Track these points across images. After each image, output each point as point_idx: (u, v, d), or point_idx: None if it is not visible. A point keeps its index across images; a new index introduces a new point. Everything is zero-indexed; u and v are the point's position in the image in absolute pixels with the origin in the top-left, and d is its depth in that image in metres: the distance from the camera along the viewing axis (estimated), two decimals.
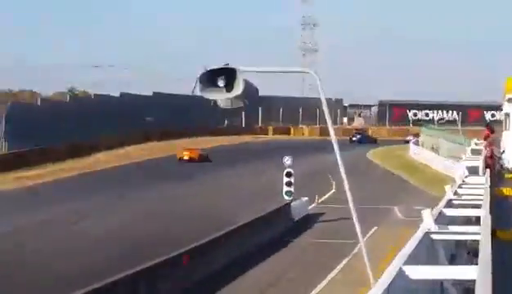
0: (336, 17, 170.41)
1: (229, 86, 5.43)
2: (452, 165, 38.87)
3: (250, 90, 5.66)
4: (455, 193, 12.75)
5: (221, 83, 5.41)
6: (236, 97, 5.49)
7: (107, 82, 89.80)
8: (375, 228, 25.58)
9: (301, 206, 30.69)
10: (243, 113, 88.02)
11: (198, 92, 5.59)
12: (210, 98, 5.48)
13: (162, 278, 17.00)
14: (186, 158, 55.62)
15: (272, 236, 25.10)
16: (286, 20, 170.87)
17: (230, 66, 5.43)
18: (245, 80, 5.43)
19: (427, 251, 5.93)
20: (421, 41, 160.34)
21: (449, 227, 6.95)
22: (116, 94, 79.69)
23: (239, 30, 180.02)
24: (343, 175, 6.10)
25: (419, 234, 5.75)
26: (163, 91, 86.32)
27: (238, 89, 5.39)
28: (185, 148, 58.35)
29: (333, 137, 5.45)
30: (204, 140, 69.81)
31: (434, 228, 6.23)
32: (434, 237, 6.20)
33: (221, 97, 5.50)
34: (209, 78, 5.41)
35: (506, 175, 25.73)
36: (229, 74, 5.41)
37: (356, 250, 17.19)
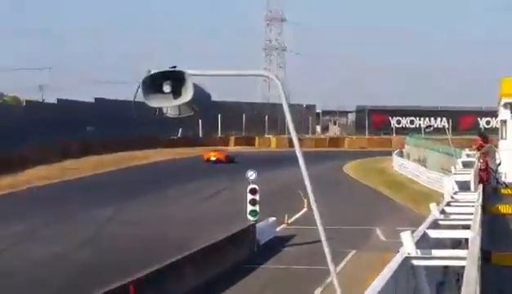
0: (306, 14, 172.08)
1: (176, 92, 5.43)
2: (441, 179, 39.70)
3: (201, 96, 5.68)
4: (443, 212, 12.86)
5: (167, 89, 5.42)
6: (185, 104, 5.49)
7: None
8: (353, 252, 25.83)
9: (268, 227, 30.60)
10: (199, 121, 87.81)
11: (141, 99, 5.59)
12: (155, 106, 5.47)
13: None
14: (213, 159, 65.48)
15: (235, 262, 25.03)
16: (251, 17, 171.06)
17: (177, 69, 5.44)
18: (195, 84, 5.44)
19: (407, 279, 5.91)
20: (404, 39, 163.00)
21: (433, 251, 6.99)
22: (53, 100, 79.17)
23: (195, 26, 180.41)
24: (310, 193, 5.99)
25: (397, 260, 5.74)
26: (106, 97, 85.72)
27: (186, 95, 5.39)
28: (212, 149, 69.23)
29: (297, 148, 5.48)
30: (152, 153, 69.44)
31: (415, 252, 6.23)
32: (415, 262, 6.18)
33: (167, 105, 5.51)
34: (154, 83, 5.42)
35: (503, 191, 25.92)
36: (176, 78, 5.42)
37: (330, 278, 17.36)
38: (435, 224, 10.87)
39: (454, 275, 9.00)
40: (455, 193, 19.85)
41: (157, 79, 5.34)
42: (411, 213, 37.07)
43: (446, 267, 8.54)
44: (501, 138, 32.81)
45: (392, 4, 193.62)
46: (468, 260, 6.22)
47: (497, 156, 29.75)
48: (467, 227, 11.23)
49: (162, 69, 5.35)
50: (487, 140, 30.69)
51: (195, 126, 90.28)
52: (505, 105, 31.74)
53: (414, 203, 41.07)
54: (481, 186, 22.84)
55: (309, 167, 4.99)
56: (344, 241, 24.51)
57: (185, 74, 5.32)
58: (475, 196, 18.72)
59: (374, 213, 38.14)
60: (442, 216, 12.22)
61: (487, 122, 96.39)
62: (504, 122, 32.53)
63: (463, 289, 4.84)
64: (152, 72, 5.32)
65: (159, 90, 5.32)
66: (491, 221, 17.64)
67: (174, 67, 5.37)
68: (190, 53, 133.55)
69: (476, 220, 11.85)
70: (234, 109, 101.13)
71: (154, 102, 5.40)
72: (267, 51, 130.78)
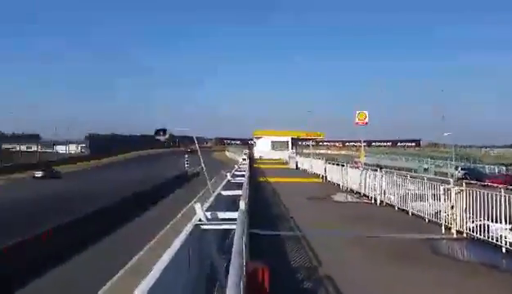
0: None
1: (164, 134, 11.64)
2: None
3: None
4: (233, 176, 13.62)
5: (161, 133, 11.60)
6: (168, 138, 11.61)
7: None
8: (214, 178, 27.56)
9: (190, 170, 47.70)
10: None
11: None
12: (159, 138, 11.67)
13: None
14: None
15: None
16: None
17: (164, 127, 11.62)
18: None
19: (199, 241, 4.88)
20: None
21: (219, 213, 5.55)
22: None
23: None
24: (201, 158, 10.02)
25: (190, 226, 4.70)
26: None
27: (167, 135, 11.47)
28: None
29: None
30: None
31: (205, 218, 5.19)
32: (204, 227, 5.06)
33: (162, 138, 11.64)
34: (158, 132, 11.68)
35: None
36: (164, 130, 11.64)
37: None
38: (228, 185, 10.68)
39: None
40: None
41: (158, 130, 11.75)
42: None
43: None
44: None
45: None
46: (238, 221, 5.03)
47: None
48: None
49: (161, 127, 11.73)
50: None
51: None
52: None
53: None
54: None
55: None
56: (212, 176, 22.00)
57: (166, 129, 11.67)
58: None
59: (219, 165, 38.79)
60: (232, 179, 12.58)
61: None
62: None
63: (234, 247, 3.75)
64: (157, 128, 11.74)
65: (158, 133, 11.73)
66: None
67: (164, 128, 11.73)
68: None
69: (246, 179, 13.29)
70: None
71: (159, 138, 11.89)
72: None
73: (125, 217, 19.79)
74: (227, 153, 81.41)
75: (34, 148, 66.69)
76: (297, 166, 43.42)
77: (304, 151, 64.00)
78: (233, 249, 3.61)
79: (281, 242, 10.04)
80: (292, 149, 71.08)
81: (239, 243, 3.80)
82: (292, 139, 77.06)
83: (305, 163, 40.66)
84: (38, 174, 46.63)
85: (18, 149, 63.20)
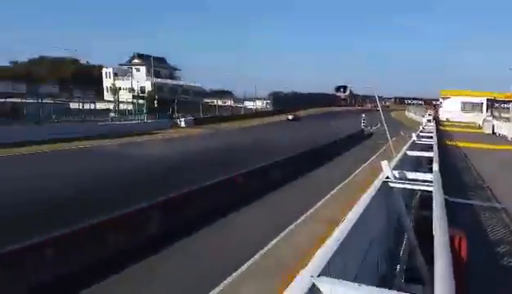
0: None
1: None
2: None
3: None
4: (418, 136, 13.39)
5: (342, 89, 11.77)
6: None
7: None
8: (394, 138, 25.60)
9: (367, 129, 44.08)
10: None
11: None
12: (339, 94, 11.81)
13: None
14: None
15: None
16: None
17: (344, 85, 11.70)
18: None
19: (385, 198, 4.69)
20: None
21: (407, 173, 5.37)
22: None
23: None
24: (382, 117, 9.96)
25: (377, 183, 4.61)
26: None
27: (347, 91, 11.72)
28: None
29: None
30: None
31: (392, 176, 5.01)
32: (391, 185, 4.90)
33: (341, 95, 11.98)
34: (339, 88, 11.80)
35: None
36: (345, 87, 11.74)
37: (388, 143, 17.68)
38: (413, 146, 10.66)
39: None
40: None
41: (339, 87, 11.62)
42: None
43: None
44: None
45: None
46: (434, 181, 4.96)
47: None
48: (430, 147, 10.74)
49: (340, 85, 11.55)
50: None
51: None
52: None
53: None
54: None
55: None
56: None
57: (347, 86, 11.45)
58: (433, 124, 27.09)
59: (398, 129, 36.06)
60: (417, 139, 12.38)
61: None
62: None
63: (434, 209, 3.75)
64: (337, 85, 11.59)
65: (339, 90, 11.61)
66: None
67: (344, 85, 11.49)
68: None
69: (435, 140, 12.98)
70: None
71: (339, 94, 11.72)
72: None
73: (300, 171, 19.91)
74: (407, 114, 76.95)
75: (228, 103, 76.16)
76: (493, 131, 38.50)
77: (503, 115, 56.55)
78: (434, 213, 3.49)
79: (475, 212, 9.02)
80: (487, 111, 63.86)
81: (440, 207, 3.63)
82: (488, 100, 68.61)
83: (504, 129, 35.82)
84: (290, 117, 60.83)
85: (215, 103, 71.34)
